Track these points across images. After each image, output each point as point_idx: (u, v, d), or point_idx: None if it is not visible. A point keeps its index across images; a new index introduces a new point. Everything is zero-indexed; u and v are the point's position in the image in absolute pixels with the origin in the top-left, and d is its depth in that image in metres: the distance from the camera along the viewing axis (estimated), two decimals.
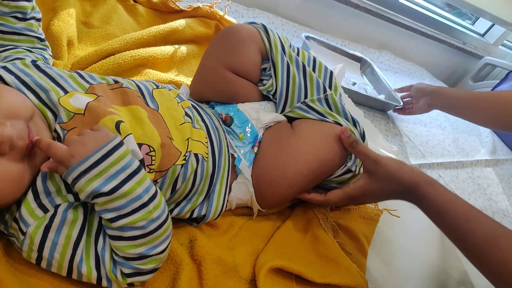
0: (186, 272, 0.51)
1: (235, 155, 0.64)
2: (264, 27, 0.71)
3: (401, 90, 1.28)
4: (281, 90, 0.70)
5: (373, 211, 0.79)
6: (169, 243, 0.49)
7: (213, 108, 0.71)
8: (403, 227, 0.76)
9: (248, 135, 0.67)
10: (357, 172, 0.68)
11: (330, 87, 0.73)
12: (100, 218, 0.47)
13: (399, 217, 0.80)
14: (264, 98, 0.74)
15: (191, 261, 0.54)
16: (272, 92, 0.71)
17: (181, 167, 0.53)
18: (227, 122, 0.68)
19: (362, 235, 0.73)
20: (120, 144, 0.44)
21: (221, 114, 0.69)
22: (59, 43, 0.68)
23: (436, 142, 1.35)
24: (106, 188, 0.42)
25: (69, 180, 0.42)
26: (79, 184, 0.42)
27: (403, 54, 1.86)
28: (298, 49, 0.75)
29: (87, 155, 0.42)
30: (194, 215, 0.59)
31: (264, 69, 0.72)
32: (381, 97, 1.28)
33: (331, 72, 0.74)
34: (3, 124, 0.41)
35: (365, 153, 0.64)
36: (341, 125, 0.67)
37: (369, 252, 0.74)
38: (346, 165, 0.67)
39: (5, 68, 0.49)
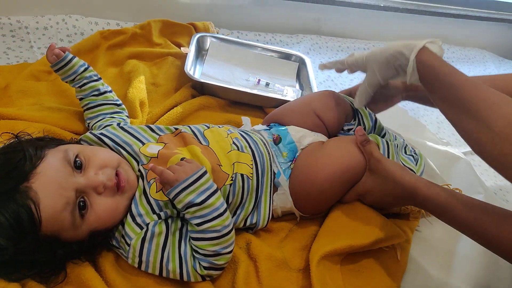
0: (243, 267, 0.66)
1: (276, 170, 0.78)
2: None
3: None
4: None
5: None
6: (233, 246, 0.65)
7: (270, 129, 0.86)
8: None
9: (289, 153, 0.81)
10: None
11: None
12: (181, 231, 0.65)
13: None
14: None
15: (248, 259, 0.69)
16: None
17: (230, 186, 0.70)
18: (276, 141, 0.82)
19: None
20: (206, 171, 0.63)
21: (274, 134, 0.83)
22: (134, 106, 0.89)
23: None
24: (198, 200, 0.61)
25: (172, 195, 0.61)
26: (180, 197, 0.61)
27: (459, 41, 1.84)
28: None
29: (186, 178, 0.61)
30: (247, 223, 0.74)
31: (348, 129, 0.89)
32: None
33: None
34: (97, 173, 0.61)
35: (371, 152, 0.73)
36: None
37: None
38: None
39: (102, 134, 0.72)
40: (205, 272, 0.63)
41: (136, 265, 0.63)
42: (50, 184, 0.56)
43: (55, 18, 1.17)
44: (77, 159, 0.62)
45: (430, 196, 0.66)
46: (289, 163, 0.80)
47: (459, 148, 1.18)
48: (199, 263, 0.63)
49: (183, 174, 0.62)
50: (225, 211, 0.63)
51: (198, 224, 0.62)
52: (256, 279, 0.67)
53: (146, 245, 0.62)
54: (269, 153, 0.79)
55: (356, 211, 0.76)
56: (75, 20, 1.19)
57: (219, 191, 0.64)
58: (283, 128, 0.85)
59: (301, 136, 0.83)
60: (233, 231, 0.65)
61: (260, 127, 0.88)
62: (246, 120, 0.92)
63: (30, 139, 0.66)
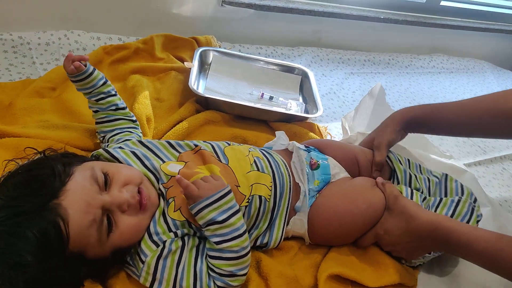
0: (254, 286, 0.65)
1: (301, 197, 0.77)
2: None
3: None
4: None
5: None
6: (248, 269, 0.64)
7: (309, 152, 0.84)
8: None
9: (321, 183, 0.80)
10: None
11: None
12: (198, 248, 0.65)
13: None
14: None
15: (258, 277, 0.68)
16: None
17: (245, 207, 0.69)
18: (313, 166, 0.81)
19: None
20: (230, 190, 0.63)
21: (312, 159, 0.82)
22: (141, 123, 0.88)
23: None
24: (220, 218, 0.61)
25: (195, 210, 0.61)
26: (203, 213, 0.61)
27: (458, 52, 1.86)
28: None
29: (210, 195, 0.61)
30: (258, 243, 0.73)
31: None
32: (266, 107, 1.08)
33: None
34: (121, 191, 0.61)
35: (390, 191, 0.75)
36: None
37: None
38: None
39: (120, 147, 0.72)
40: None
41: (148, 284, 0.62)
42: (79, 201, 0.56)
43: (57, 33, 1.16)
44: (103, 177, 0.61)
45: (453, 227, 0.64)
46: (316, 193, 0.78)
47: (462, 160, 1.18)
48: (214, 282, 0.62)
49: (207, 191, 0.62)
50: (244, 232, 0.63)
51: (217, 243, 0.61)
52: None
53: (161, 262, 0.61)
54: (289, 175, 0.78)
55: (368, 253, 0.77)
56: (77, 36, 1.19)
57: (240, 211, 0.64)
58: (323, 156, 0.84)
59: (337, 173, 0.83)
60: (250, 253, 0.64)
61: (298, 144, 0.86)
62: (280, 133, 0.89)
63: (55, 155, 0.65)
